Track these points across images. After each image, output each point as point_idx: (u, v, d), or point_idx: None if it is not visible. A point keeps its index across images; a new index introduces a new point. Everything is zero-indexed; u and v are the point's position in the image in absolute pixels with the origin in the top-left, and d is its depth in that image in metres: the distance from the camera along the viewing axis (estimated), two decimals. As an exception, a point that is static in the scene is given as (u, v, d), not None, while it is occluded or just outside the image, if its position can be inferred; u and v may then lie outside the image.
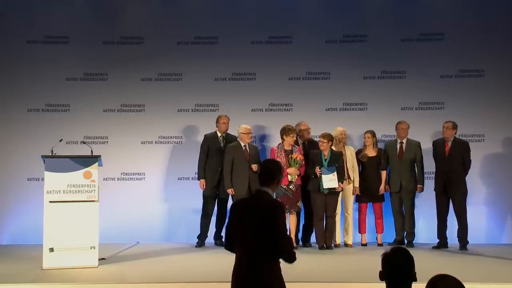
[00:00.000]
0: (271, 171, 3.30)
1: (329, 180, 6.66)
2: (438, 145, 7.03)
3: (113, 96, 7.89)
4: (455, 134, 6.97)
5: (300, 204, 6.85)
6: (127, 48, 7.99)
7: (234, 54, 7.93)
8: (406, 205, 7.08)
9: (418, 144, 7.15)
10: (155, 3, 8.23)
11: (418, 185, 7.07)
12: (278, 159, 6.81)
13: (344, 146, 7.14)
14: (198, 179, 7.14)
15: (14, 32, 7.91)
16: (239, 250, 3.24)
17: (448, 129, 6.91)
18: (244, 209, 3.32)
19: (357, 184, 7.09)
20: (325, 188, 6.67)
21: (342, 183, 6.81)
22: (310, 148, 7.11)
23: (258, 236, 3.15)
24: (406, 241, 7.03)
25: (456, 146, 6.91)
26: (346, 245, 7.07)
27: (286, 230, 3.25)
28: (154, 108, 7.88)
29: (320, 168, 6.69)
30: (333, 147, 6.93)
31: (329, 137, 6.83)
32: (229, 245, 3.34)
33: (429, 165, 7.16)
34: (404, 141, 7.15)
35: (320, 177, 6.68)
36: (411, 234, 7.06)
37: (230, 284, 3.24)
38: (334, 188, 6.73)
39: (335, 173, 6.69)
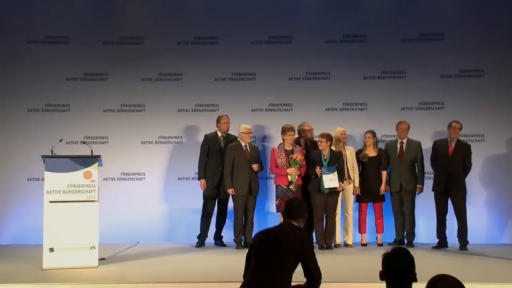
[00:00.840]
0: (298, 208, 3.55)
1: (329, 180, 6.67)
2: (440, 146, 7.01)
3: (113, 96, 7.88)
4: (458, 135, 7.00)
5: (300, 204, 6.84)
6: (127, 48, 7.98)
7: (234, 54, 7.93)
8: (406, 205, 7.07)
9: (418, 144, 7.14)
10: (155, 3, 8.22)
11: (418, 185, 7.07)
12: (278, 159, 6.83)
13: (344, 146, 7.14)
14: (199, 179, 7.14)
15: (14, 32, 7.91)
16: (254, 269, 3.28)
17: (459, 129, 6.91)
18: (269, 235, 3.44)
19: (357, 184, 7.09)
20: (326, 188, 6.67)
21: (342, 183, 6.81)
22: (312, 148, 7.11)
23: (281, 259, 3.23)
24: (406, 241, 7.03)
25: (459, 147, 6.91)
26: (346, 245, 7.07)
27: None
28: (154, 108, 7.88)
29: (320, 168, 6.69)
30: (332, 147, 6.93)
31: (328, 137, 6.83)
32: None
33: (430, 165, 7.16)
34: (405, 141, 7.15)
35: (321, 177, 6.68)
36: (411, 234, 7.06)
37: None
38: (335, 188, 6.74)
39: (335, 173, 6.69)
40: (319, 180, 6.69)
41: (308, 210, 6.92)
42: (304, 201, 3.68)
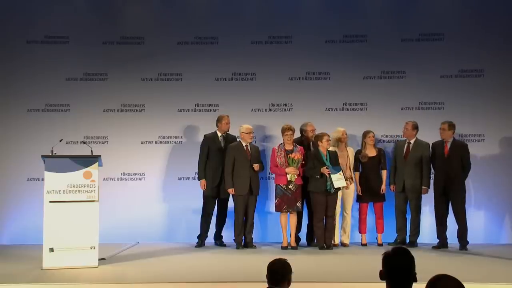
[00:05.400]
0: (280, 273, 3.22)
1: (337, 180, 6.68)
2: (437, 147, 7.02)
3: (113, 96, 7.88)
4: (453, 134, 6.96)
5: (299, 204, 6.85)
6: (127, 48, 7.98)
7: (234, 54, 7.92)
8: (411, 205, 7.06)
9: (426, 145, 7.10)
10: (155, 3, 8.22)
11: (423, 187, 7.03)
12: (277, 159, 6.84)
13: (345, 147, 7.15)
14: (199, 179, 7.13)
15: (14, 32, 7.90)
16: None
17: (444, 130, 6.90)
18: None
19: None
20: (336, 188, 6.67)
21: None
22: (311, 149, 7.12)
23: None
24: (408, 241, 7.02)
25: (455, 147, 6.90)
26: (343, 244, 7.08)
27: None
28: (154, 108, 7.87)
29: (327, 168, 6.68)
30: (332, 147, 6.95)
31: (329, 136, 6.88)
32: None
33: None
34: (412, 141, 7.13)
35: (329, 176, 6.67)
36: (416, 234, 7.04)
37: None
38: (343, 187, 6.78)
39: (341, 172, 6.72)
40: (325, 180, 6.68)
41: (308, 210, 7.04)
42: (287, 262, 3.27)
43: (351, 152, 7.20)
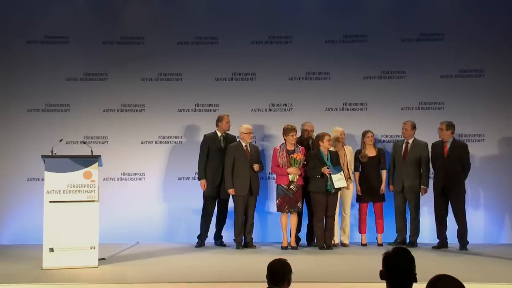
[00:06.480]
0: (280, 273, 3.23)
1: (338, 180, 6.67)
2: (436, 147, 7.02)
3: (113, 96, 7.88)
4: (453, 134, 6.94)
5: (300, 204, 6.84)
6: (127, 48, 7.98)
7: (234, 54, 7.92)
8: (410, 205, 7.06)
9: (425, 145, 7.10)
10: (155, 3, 8.23)
11: (422, 186, 7.03)
12: (279, 159, 6.83)
13: (343, 146, 7.16)
14: (199, 179, 7.13)
15: (14, 32, 7.91)
16: None
17: (442, 130, 6.90)
18: None
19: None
20: (336, 188, 6.67)
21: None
22: (311, 148, 7.12)
23: None
24: (408, 241, 7.02)
25: (455, 147, 6.89)
26: (343, 244, 7.09)
27: None
28: (154, 108, 7.88)
29: (328, 168, 6.68)
30: (331, 147, 6.96)
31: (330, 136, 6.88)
32: None
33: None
34: (410, 141, 7.14)
35: (330, 176, 6.67)
36: (415, 234, 7.04)
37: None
38: (343, 188, 6.78)
39: (342, 173, 6.72)
40: (326, 180, 6.68)
41: (308, 210, 7.04)
42: (287, 262, 3.28)
43: (349, 151, 7.20)
